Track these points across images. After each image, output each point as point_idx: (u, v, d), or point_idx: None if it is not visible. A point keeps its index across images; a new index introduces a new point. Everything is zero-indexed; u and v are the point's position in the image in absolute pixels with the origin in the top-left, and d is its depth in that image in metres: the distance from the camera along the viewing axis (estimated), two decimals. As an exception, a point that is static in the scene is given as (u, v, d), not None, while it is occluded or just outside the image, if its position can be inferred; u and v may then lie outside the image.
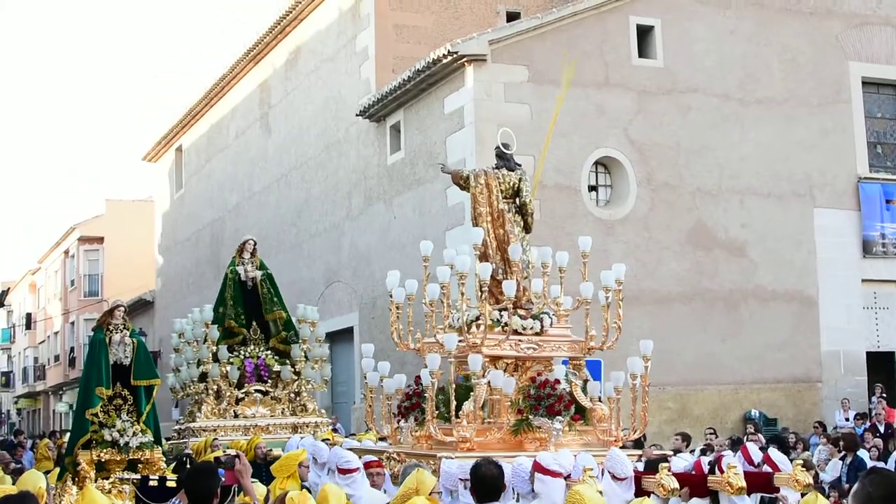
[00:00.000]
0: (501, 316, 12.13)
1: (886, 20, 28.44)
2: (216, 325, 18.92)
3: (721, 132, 26.42)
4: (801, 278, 26.77)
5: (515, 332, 12.15)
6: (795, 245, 26.81)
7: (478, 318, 12.04)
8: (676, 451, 15.59)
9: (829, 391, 26.72)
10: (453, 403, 11.53)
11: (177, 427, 19.39)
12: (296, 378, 18.98)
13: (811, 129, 27.27)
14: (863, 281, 27.56)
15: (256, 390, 18.79)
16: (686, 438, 19.70)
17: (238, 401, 18.69)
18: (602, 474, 10.24)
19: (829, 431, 23.30)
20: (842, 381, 26.88)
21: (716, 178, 26.26)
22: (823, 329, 26.85)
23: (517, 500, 9.95)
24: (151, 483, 12.51)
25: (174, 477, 12.77)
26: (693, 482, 10.08)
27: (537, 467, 9.69)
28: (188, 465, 12.94)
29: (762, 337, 26.03)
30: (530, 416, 11.71)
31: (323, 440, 15.66)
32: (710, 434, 21.93)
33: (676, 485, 9.64)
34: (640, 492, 10.15)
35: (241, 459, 9.45)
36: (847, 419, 24.57)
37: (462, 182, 12.99)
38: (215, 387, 18.58)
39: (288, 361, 19.02)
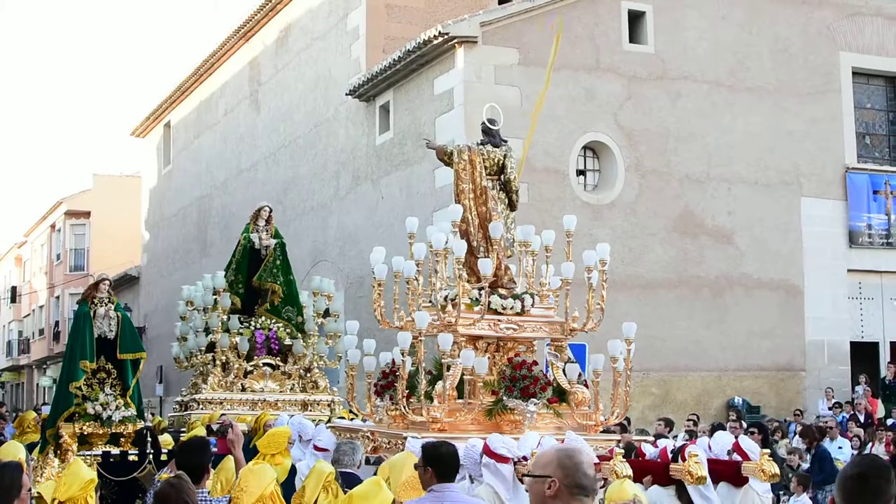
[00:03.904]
0: (481, 295, 11.91)
1: (878, 11, 28.45)
2: (228, 294, 18.31)
3: (710, 120, 26.43)
4: (786, 267, 26.83)
5: (496, 312, 11.99)
6: (782, 234, 26.86)
7: (456, 297, 11.92)
8: (658, 437, 15.58)
9: (813, 380, 26.80)
10: (423, 383, 11.43)
11: (179, 399, 18.92)
12: (307, 353, 18.44)
13: (800, 118, 27.29)
14: (848, 271, 27.63)
15: (266, 364, 18.20)
16: (669, 424, 19.74)
17: (246, 374, 18.07)
18: None
19: (813, 420, 23.40)
20: (825, 371, 26.97)
21: (704, 165, 26.28)
22: (808, 318, 26.92)
23: (470, 482, 9.89)
24: (113, 459, 12.49)
25: (135, 451, 12.76)
26: (655, 470, 10.02)
27: (486, 450, 9.64)
28: (149, 439, 12.88)
29: (747, 325, 26.10)
30: (504, 398, 11.58)
31: (339, 419, 15.56)
32: (691, 421, 21.97)
33: (630, 472, 9.56)
34: None
35: (233, 429, 9.38)
36: (830, 408, 24.69)
37: (446, 158, 12.86)
38: (223, 358, 17.96)
39: (300, 335, 18.51)
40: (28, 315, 72.18)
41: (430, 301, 12.36)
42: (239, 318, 18.29)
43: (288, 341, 18.33)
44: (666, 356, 25.07)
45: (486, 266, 11.61)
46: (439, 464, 7.64)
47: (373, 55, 28.69)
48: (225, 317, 18.10)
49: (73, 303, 43.45)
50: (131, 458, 12.46)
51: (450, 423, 11.29)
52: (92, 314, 14.24)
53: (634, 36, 26.03)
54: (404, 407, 11.41)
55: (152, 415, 20.97)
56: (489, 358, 11.82)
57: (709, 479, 9.51)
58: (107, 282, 14.77)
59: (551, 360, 12.29)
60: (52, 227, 65.17)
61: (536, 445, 10.01)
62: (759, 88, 26.97)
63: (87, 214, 61.27)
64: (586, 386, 12.15)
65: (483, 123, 13.22)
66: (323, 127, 31.35)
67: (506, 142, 13.17)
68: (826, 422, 21.81)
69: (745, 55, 26.96)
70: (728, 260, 26.26)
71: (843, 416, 23.37)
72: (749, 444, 10.38)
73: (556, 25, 15.42)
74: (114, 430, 13.96)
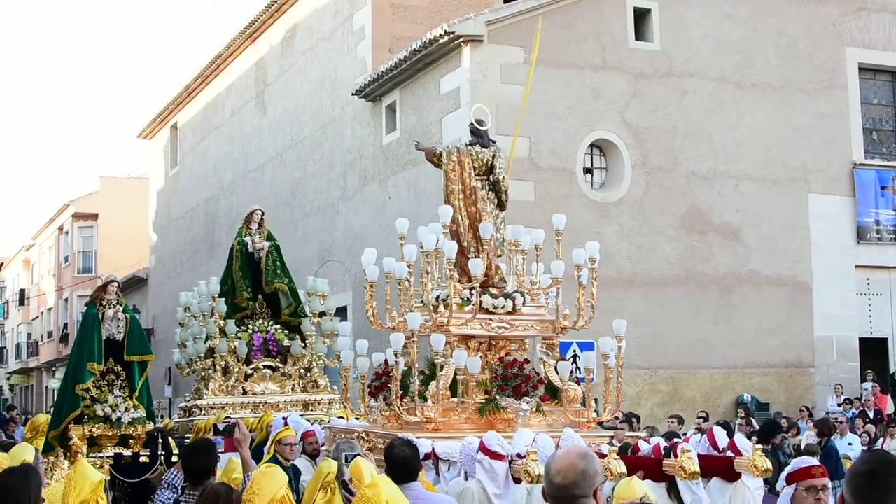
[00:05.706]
0: (472, 295, 11.94)
1: (884, 6, 28.42)
2: (223, 299, 18.25)
3: (717, 117, 26.40)
4: (794, 264, 26.80)
5: (487, 312, 12.01)
6: (790, 230, 26.83)
7: (447, 298, 11.94)
8: (670, 434, 15.58)
9: (822, 377, 26.76)
10: (416, 383, 11.45)
11: (183, 404, 18.96)
12: (306, 353, 18.36)
13: (807, 114, 27.26)
14: (856, 267, 27.60)
15: (265, 366, 18.14)
16: (681, 421, 19.75)
17: (247, 377, 18.02)
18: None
19: (821, 417, 23.33)
20: (834, 367, 26.93)
21: (711, 162, 26.25)
22: (816, 315, 26.89)
23: (465, 479, 9.92)
24: (124, 461, 12.49)
25: (147, 453, 12.77)
26: (648, 466, 10.04)
27: (482, 447, 9.66)
28: (160, 441, 12.88)
29: (755, 321, 26.06)
30: (497, 397, 11.60)
31: (338, 418, 15.58)
32: (701, 418, 21.94)
33: (624, 469, 9.57)
34: None
35: (240, 428, 9.36)
36: (840, 405, 24.64)
37: (435, 159, 12.92)
38: (223, 363, 17.88)
39: (298, 336, 18.46)
40: (36, 318, 72.26)
41: (422, 302, 12.38)
42: (236, 322, 18.29)
43: (286, 342, 18.38)
44: (674, 353, 25.06)
45: (476, 266, 11.65)
46: (389, 465, 7.67)
47: (379, 55, 28.68)
48: (222, 322, 18.11)
49: (82, 305, 43.48)
50: (143, 459, 12.46)
51: (444, 423, 11.34)
52: (100, 316, 14.24)
53: (640, 33, 26.01)
54: (398, 407, 11.46)
55: (161, 416, 20.98)
56: (481, 357, 11.85)
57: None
58: (115, 284, 14.76)
59: (543, 357, 12.30)
60: (60, 229, 65.21)
61: (531, 443, 10.04)
62: (765, 85, 26.95)
63: (95, 216, 61.32)
64: (578, 383, 12.17)
65: (471, 124, 13.28)
66: (329, 127, 31.35)
67: (494, 142, 13.22)
68: (836, 418, 21.78)
69: (750, 52, 26.92)
70: (736, 257, 26.23)
71: (852, 413, 23.32)
72: (743, 441, 10.43)
73: (536, 29, 15.42)
74: (123, 432, 13.95)
